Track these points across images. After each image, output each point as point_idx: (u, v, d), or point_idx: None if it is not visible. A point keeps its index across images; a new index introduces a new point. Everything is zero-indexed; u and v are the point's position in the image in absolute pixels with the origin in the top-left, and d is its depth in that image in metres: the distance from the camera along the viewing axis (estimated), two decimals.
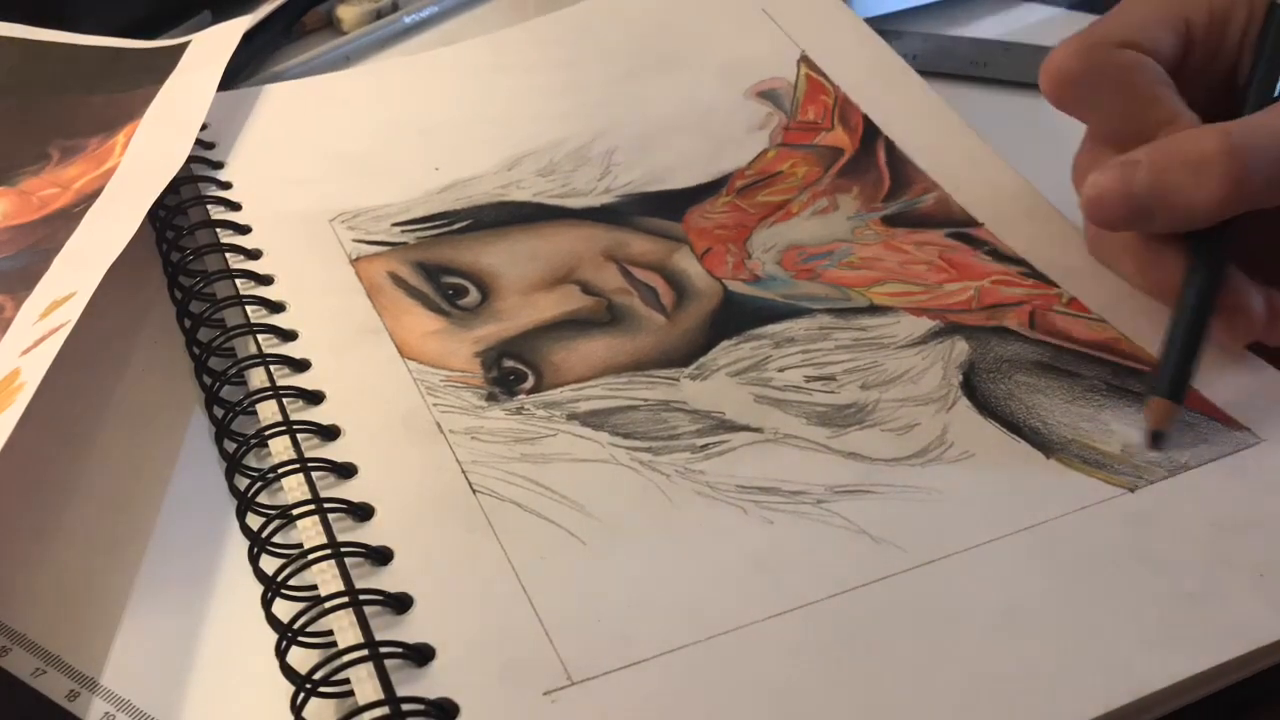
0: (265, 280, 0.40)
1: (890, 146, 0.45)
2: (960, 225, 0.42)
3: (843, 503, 0.32)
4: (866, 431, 0.34)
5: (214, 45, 0.50)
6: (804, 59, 0.48)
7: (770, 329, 0.38)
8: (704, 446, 0.34)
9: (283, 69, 0.54)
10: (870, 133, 0.45)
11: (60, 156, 0.47)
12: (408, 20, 0.58)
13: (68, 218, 0.42)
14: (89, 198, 0.43)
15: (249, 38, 0.53)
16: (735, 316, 0.39)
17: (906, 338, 0.37)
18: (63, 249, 0.41)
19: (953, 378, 0.36)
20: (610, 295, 0.39)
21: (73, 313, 0.36)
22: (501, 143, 0.46)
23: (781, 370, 0.37)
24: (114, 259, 0.38)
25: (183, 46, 0.51)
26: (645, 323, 0.38)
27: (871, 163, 0.44)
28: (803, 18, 0.50)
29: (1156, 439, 0.33)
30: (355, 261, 0.41)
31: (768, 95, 0.47)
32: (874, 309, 0.39)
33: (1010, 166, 0.44)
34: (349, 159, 0.46)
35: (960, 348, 0.37)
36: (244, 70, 0.54)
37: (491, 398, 0.36)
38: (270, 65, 0.55)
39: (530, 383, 0.36)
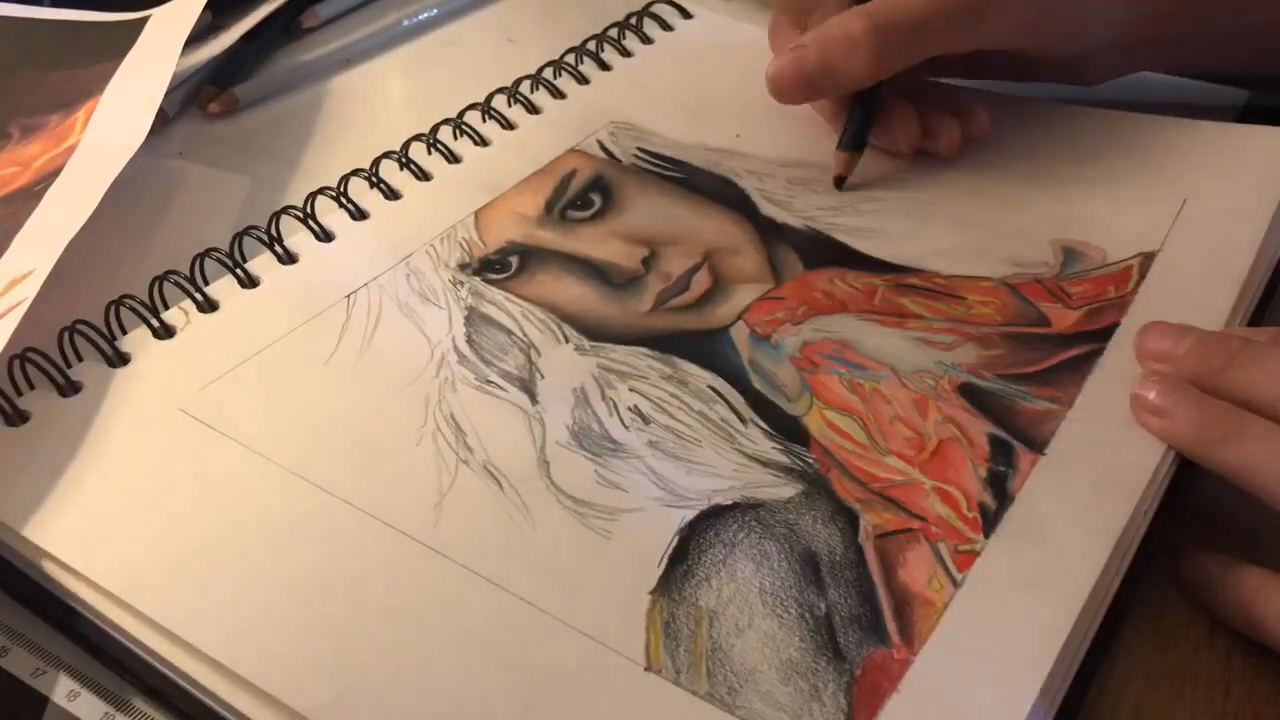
0: None
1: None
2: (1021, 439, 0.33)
3: None
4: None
5: (174, 19, 0.49)
6: (1149, 256, 0.39)
7: (687, 367, 0.35)
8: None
9: (282, 69, 0.53)
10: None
11: (20, 135, 0.45)
12: (405, 24, 0.56)
13: (28, 196, 0.41)
14: (49, 176, 0.42)
15: (249, 38, 0.51)
16: (695, 347, 0.36)
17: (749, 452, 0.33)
18: (23, 228, 0.39)
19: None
20: (653, 271, 0.39)
21: (30, 290, 0.35)
22: (790, 146, 0.46)
23: (630, 391, 0.35)
24: (72, 237, 0.37)
25: (143, 21, 0.50)
26: (635, 300, 0.38)
27: (1043, 354, 0.36)
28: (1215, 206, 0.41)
29: (839, 182, 0.43)
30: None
31: (1070, 249, 0.40)
32: (771, 428, 0.34)
33: None
34: (691, 95, 0.49)
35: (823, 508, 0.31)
36: (244, 70, 0.52)
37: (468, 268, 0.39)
38: (270, 65, 0.53)
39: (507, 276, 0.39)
